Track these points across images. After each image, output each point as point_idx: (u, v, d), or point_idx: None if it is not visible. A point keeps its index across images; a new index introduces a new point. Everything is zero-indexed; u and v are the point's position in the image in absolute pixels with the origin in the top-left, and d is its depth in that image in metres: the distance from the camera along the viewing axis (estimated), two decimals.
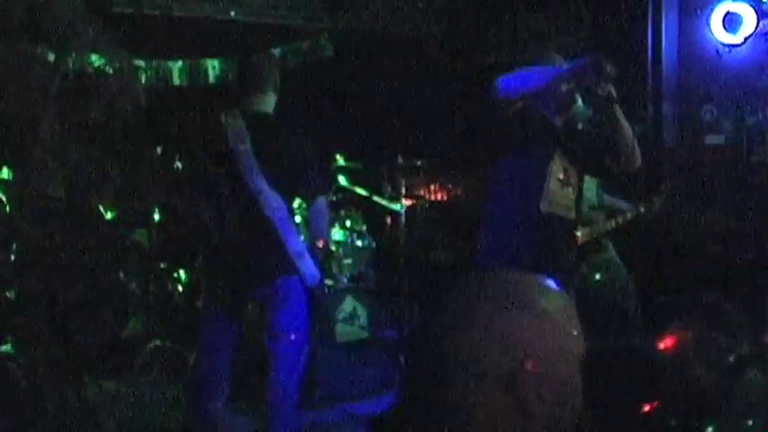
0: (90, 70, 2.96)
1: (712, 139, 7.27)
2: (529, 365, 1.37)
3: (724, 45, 7.07)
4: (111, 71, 2.90)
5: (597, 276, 5.95)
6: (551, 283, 1.47)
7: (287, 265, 4.43)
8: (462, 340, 1.38)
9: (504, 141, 4.28)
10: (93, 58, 3.05)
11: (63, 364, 2.47)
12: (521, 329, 1.38)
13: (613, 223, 5.96)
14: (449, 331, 1.40)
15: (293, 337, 4.45)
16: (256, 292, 4.46)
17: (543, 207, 4.21)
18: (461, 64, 8.47)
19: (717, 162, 7.20)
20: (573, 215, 4.37)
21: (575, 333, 1.44)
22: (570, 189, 4.33)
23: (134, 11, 3.07)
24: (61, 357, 2.45)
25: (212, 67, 7.36)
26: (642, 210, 5.99)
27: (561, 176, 4.27)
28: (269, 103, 4.68)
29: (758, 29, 6.84)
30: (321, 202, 4.63)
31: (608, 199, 6.18)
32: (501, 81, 4.10)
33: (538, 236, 4.20)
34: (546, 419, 1.38)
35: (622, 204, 6.15)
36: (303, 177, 4.55)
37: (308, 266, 4.50)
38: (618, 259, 6.02)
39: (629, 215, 5.99)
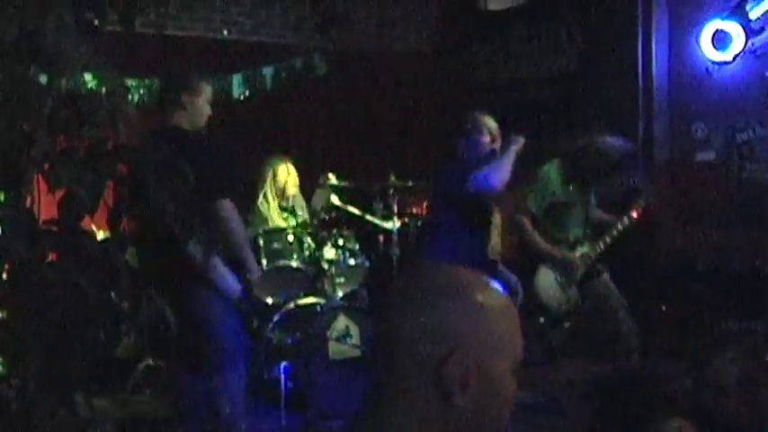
0: (83, 92, 2.96)
1: (703, 156, 7.30)
2: (455, 354, 1.40)
3: (714, 63, 7.10)
4: (103, 92, 2.91)
5: (589, 301, 5.98)
6: (493, 283, 1.50)
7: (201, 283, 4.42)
8: (400, 324, 1.43)
9: (462, 212, 4.99)
10: (87, 79, 3.06)
11: (54, 383, 2.48)
12: (453, 319, 1.42)
13: (602, 244, 6.00)
14: (391, 315, 1.45)
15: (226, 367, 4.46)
16: None
17: (491, 255, 4.98)
18: (453, 82, 8.51)
19: (707, 179, 7.23)
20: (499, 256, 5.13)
21: (509, 332, 1.46)
22: (496, 233, 5.11)
23: (128, 30, 3.09)
24: (53, 376, 2.45)
25: None
26: (626, 221, 6.01)
27: (497, 230, 5.06)
28: (177, 117, 4.67)
29: (747, 47, 6.88)
30: (219, 206, 4.49)
31: (598, 214, 6.21)
32: (476, 179, 4.76)
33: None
34: (469, 412, 1.41)
35: (605, 217, 6.19)
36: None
37: (227, 281, 4.51)
38: (610, 282, 6.02)
39: (615, 231, 6.00)
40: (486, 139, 5.04)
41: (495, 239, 5.14)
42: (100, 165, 2.97)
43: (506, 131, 5.36)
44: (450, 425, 1.42)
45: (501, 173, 4.86)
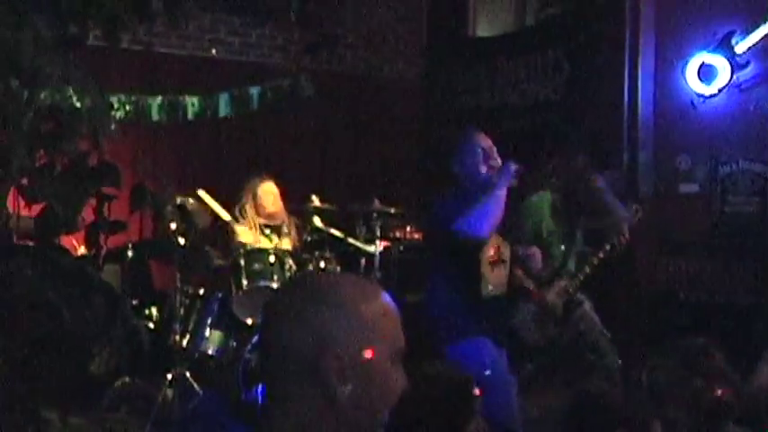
0: (63, 107, 2.95)
1: (686, 188, 7.32)
2: (329, 350, 1.52)
3: (699, 96, 7.12)
4: (84, 107, 2.89)
5: (569, 333, 5.92)
6: (374, 290, 1.64)
7: None
8: (279, 329, 1.56)
9: (450, 252, 4.80)
10: (68, 94, 3.05)
11: (23, 400, 2.45)
12: (326, 319, 1.55)
13: (581, 276, 5.92)
14: (271, 321, 1.59)
15: None
16: None
17: (485, 292, 4.76)
18: (440, 107, 8.53)
19: (691, 210, 7.26)
20: (505, 288, 4.91)
21: (388, 329, 1.59)
22: (503, 266, 4.85)
23: (114, 46, 3.09)
24: (21, 394, 2.43)
25: (191, 104, 7.34)
26: (606, 252, 5.93)
27: (489, 258, 4.79)
28: None
29: (732, 81, 6.90)
30: None
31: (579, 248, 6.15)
32: (462, 224, 4.55)
33: (483, 317, 4.73)
34: (352, 402, 1.53)
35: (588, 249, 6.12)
36: None
37: None
38: (591, 312, 5.96)
39: (595, 261, 5.92)
40: (480, 157, 4.86)
41: (492, 273, 4.86)
42: (80, 181, 2.95)
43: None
44: (337, 417, 1.54)
45: (490, 216, 4.62)
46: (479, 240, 4.62)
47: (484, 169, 4.77)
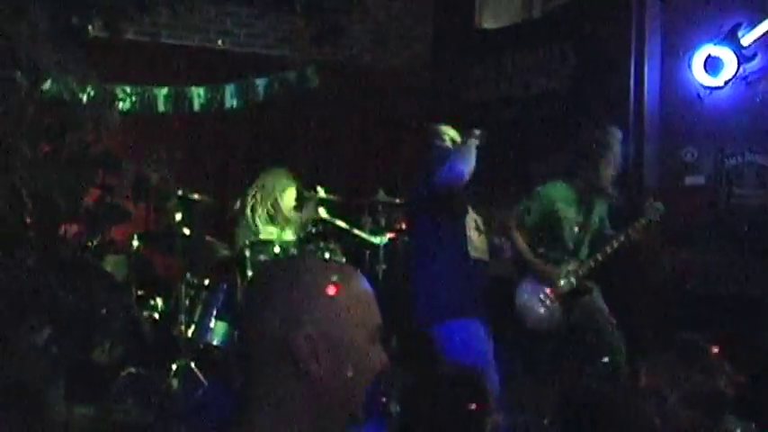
0: (65, 99, 2.97)
1: (692, 180, 7.29)
2: (301, 328, 1.56)
3: (705, 88, 7.09)
4: (85, 98, 2.91)
5: (575, 317, 5.92)
6: (347, 273, 1.68)
7: None
8: (253, 313, 1.61)
9: (437, 209, 5.11)
10: (70, 86, 3.06)
11: (22, 389, 2.47)
12: (296, 302, 1.59)
13: (592, 262, 5.91)
14: (248, 306, 1.64)
15: None
16: None
17: (472, 253, 5.05)
18: (446, 99, 8.48)
19: (696, 202, 7.22)
20: (488, 257, 5.25)
21: (362, 310, 1.64)
22: (483, 235, 5.23)
23: (118, 37, 3.11)
24: (19, 382, 2.45)
25: (197, 95, 7.39)
26: (627, 236, 5.95)
27: (474, 225, 5.17)
28: None
29: (739, 73, 6.88)
30: None
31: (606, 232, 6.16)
32: (441, 173, 4.97)
33: (470, 282, 5.03)
34: (328, 379, 1.58)
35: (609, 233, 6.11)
36: None
37: None
38: (598, 299, 5.97)
39: (609, 248, 5.92)
40: (447, 144, 5.25)
41: (477, 238, 5.20)
42: (81, 171, 2.97)
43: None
44: (313, 396, 1.58)
45: (463, 163, 5.01)
46: (460, 182, 4.95)
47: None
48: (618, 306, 6.16)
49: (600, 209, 6.03)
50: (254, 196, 6.77)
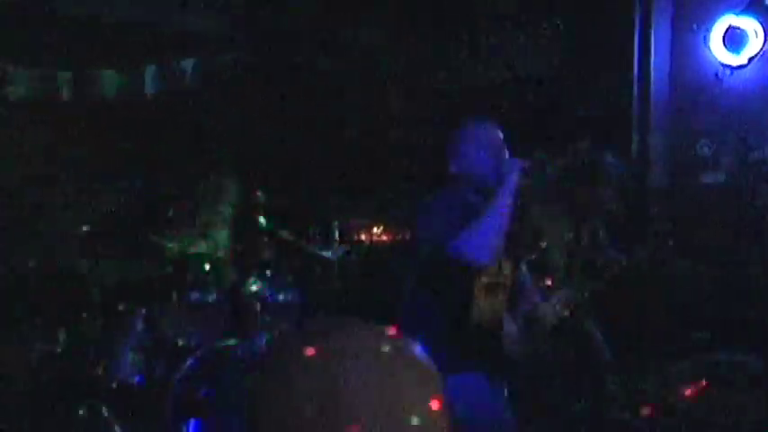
0: None
1: (709, 179, 7.19)
2: None
3: (725, 67, 6.99)
4: None
5: (566, 351, 5.89)
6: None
7: None
8: None
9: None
10: None
11: None
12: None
13: (589, 288, 5.65)
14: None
15: None
16: None
17: (474, 321, 4.46)
18: (417, 83, 8.39)
19: (715, 206, 7.10)
20: (501, 317, 4.65)
21: None
22: (500, 291, 4.58)
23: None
24: None
25: (110, 79, 7.10)
26: (624, 261, 5.68)
27: (487, 280, 4.50)
28: None
29: (765, 48, 6.81)
30: None
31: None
32: (457, 243, 4.22)
33: (469, 345, 4.47)
34: None
35: (609, 252, 5.99)
36: None
37: None
38: (593, 331, 5.88)
39: (612, 268, 5.63)
40: (484, 154, 4.50)
41: (493, 301, 4.62)
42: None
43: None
44: None
45: (492, 234, 4.27)
46: (477, 265, 4.31)
47: (486, 168, 4.45)
48: (618, 335, 6.10)
49: (590, 228, 6.04)
50: (186, 205, 6.81)
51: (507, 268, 4.58)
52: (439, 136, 7.38)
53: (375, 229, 7.52)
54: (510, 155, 4.43)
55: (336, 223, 6.74)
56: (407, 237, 7.71)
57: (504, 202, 4.26)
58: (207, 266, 6.35)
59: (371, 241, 7.53)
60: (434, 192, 4.62)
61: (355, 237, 7.35)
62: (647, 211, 7.14)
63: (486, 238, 4.23)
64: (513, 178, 4.29)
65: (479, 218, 4.24)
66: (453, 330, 4.44)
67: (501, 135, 4.52)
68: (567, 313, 5.48)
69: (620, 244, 5.92)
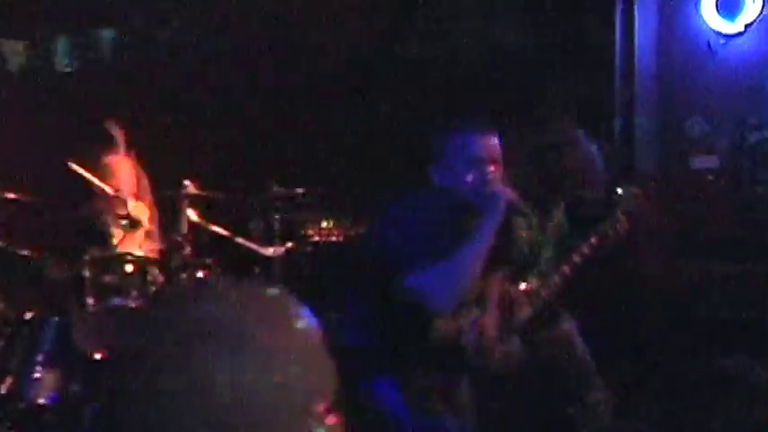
0: None
1: (702, 162, 7.17)
2: None
3: (719, 35, 6.99)
4: None
5: (545, 354, 5.56)
6: None
7: None
8: None
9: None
10: None
11: None
12: None
13: (558, 279, 5.50)
14: None
15: None
16: None
17: (434, 343, 4.34)
18: (373, 58, 8.18)
19: (708, 192, 7.13)
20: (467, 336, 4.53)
21: None
22: (465, 309, 4.39)
23: None
24: None
25: (15, 53, 6.81)
26: (594, 241, 5.54)
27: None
28: None
29: (763, 14, 6.81)
30: None
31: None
32: (416, 281, 4.05)
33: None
34: None
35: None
36: None
37: None
38: (573, 331, 5.65)
39: (578, 255, 5.50)
40: (474, 172, 4.25)
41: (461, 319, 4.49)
42: None
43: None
44: None
45: (460, 280, 4.12)
46: (435, 312, 4.16)
47: (472, 187, 4.23)
48: (604, 340, 5.86)
49: (556, 212, 5.68)
50: (101, 194, 6.49)
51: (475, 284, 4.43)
52: (404, 118, 7.29)
53: (324, 224, 7.13)
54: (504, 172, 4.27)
55: (278, 217, 6.67)
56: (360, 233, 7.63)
57: (477, 245, 4.10)
58: (129, 268, 6.07)
59: (320, 237, 7.11)
60: (409, 195, 4.42)
61: (301, 232, 7.00)
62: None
63: (451, 283, 4.10)
64: (498, 212, 4.15)
65: (450, 258, 4.03)
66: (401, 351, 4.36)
67: (498, 149, 4.25)
68: (538, 305, 5.41)
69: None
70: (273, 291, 1.58)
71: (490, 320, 4.87)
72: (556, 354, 5.66)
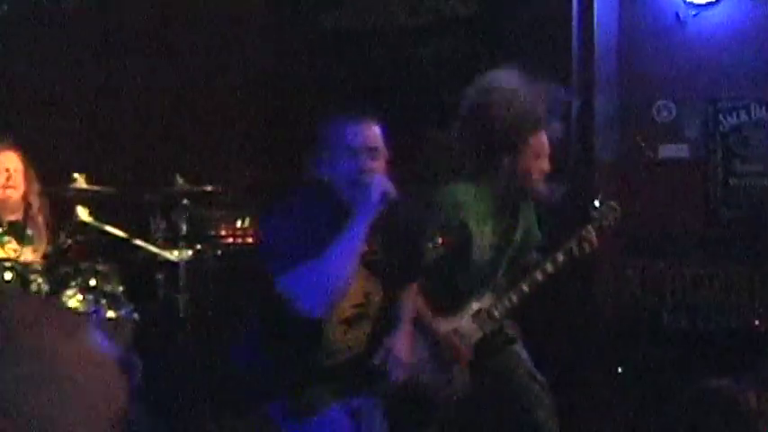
0: None
1: (670, 151, 7.16)
2: None
3: (688, 6, 7.00)
4: None
5: (488, 379, 5.43)
6: None
7: None
8: None
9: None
10: None
11: None
12: None
13: (514, 297, 5.35)
14: None
15: None
16: None
17: (326, 360, 4.40)
18: (294, 29, 8.03)
19: (677, 185, 7.11)
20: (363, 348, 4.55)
21: None
22: (365, 322, 4.43)
23: None
24: None
25: None
26: (561, 258, 5.39)
27: (347, 312, 4.35)
28: None
29: None
30: None
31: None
32: (288, 284, 4.09)
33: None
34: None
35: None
36: None
37: None
38: (521, 351, 5.49)
39: (548, 267, 5.36)
40: (349, 162, 4.26)
41: (355, 334, 4.44)
42: None
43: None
44: None
45: (334, 280, 4.11)
46: (309, 316, 4.17)
47: (346, 180, 4.28)
48: (557, 352, 6.14)
49: (526, 215, 5.53)
50: None
51: (377, 295, 4.45)
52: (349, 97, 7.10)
53: (238, 223, 7.07)
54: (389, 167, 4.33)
55: (186, 215, 6.54)
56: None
57: (350, 239, 4.14)
58: (8, 276, 5.87)
59: (233, 239, 7.07)
60: (289, 191, 4.52)
61: (212, 232, 6.96)
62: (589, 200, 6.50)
63: (320, 284, 4.12)
64: (371, 206, 4.17)
65: (320, 257, 4.06)
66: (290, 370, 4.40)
67: (378, 138, 4.31)
68: (491, 326, 5.34)
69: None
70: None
71: (403, 338, 4.77)
72: (506, 374, 5.49)
